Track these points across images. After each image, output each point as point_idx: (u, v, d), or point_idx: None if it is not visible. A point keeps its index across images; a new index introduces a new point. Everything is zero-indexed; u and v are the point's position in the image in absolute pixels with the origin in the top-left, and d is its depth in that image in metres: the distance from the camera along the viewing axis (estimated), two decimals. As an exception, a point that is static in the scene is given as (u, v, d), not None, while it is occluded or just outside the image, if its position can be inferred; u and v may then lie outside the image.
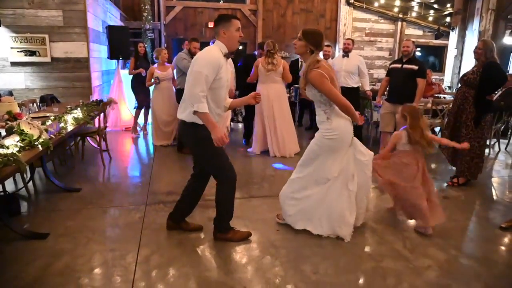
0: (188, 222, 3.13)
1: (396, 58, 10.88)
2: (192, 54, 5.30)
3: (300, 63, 7.57)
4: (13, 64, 6.01)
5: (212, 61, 2.58)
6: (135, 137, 6.68)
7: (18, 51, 5.96)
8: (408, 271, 2.60)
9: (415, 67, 4.72)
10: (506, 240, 3.16)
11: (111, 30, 6.82)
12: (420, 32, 13.34)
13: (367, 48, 13.34)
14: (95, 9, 6.86)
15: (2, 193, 3.47)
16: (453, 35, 9.34)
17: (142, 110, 6.83)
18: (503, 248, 3.04)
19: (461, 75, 8.47)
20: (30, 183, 4.07)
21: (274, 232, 3.12)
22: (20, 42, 5.94)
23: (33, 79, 6.15)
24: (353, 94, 5.62)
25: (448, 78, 9.41)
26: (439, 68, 13.37)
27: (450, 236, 3.16)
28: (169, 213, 3.12)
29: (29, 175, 4.02)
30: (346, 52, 5.64)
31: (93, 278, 2.46)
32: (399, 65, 4.87)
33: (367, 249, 2.91)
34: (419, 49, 13.74)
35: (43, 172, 3.93)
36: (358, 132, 5.96)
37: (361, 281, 2.48)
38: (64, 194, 3.84)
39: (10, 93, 5.82)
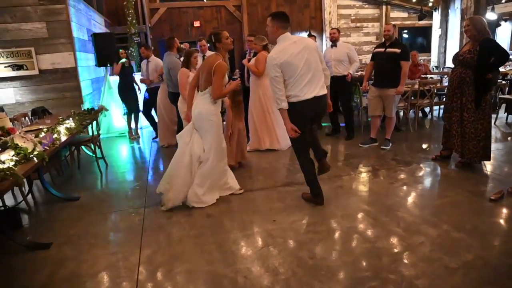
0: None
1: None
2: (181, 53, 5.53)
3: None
4: (1, 79, 6.02)
5: None
6: (134, 140, 6.77)
7: (5, 66, 5.97)
8: (402, 249, 2.70)
9: (398, 50, 4.79)
10: (495, 211, 3.26)
11: (96, 38, 6.83)
12: (405, 14, 13.41)
13: (354, 35, 13.40)
14: (79, 18, 6.87)
15: (2, 208, 3.53)
16: (436, 15, 9.44)
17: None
18: (492, 219, 3.14)
19: (447, 54, 8.58)
20: (29, 196, 4.13)
21: (270, 223, 3.21)
22: (6, 57, 5.95)
23: (23, 93, 6.17)
24: (344, 81, 5.69)
25: (434, 58, 9.51)
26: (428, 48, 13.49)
27: (442, 212, 3.26)
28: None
29: (27, 188, 4.07)
30: (333, 42, 5.70)
31: (99, 281, 2.54)
32: (383, 49, 4.94)
33: (361, 231, 3.00)
34: (405, 31, 13.83)
35: (41, 184, 3.99)
36: (334, 117, 6.07)
37: (357, 262, 2.58)
38: (64, 204, 3.91)
39: (1, 109, 5.84)
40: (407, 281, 2.32)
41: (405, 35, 14.06)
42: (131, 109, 6.82)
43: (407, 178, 4.13)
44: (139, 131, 7.12)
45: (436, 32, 9.34)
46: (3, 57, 5.94)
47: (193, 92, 3.73)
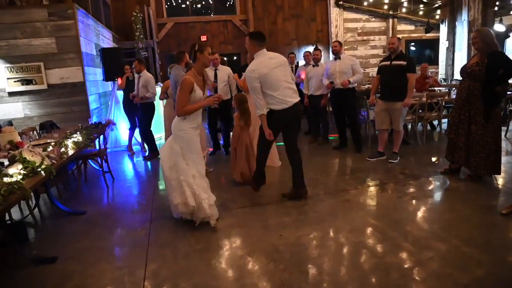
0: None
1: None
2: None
3: (290, 69, 7.67)
4: (11, 94, 6.13)
5: None
6: (131, 154, 6.80)
7: (14, 81, 6.08)
8: (411, 264, 2.64)
9: (404, 63, 4.78)
10: (507, 225, 3.19)
11: (104, 53, 6.94)
12: (412, 27, 13.47)
13: (360, 48, 13.47)
14: (87, 33, 6.99)
15: (9, 222, 3.54)
16: (443, 28, 9.44)
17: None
18: (504, 234, 3.07)
19: (455, 66, 8.55)
20: (36, 210, 4.14)
21: (277, 238, 3.17)
22: (16, 72, 6.06)
23: (31, 107, 6.26)
24: (349, 94, 5.70)
25: (442, 71, 9.48)
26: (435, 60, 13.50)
27: (452, 226, 3.20)
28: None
29: (34, 201, 4.08)
30: (336, 54, 5.73)
31: (103, 296, 2.51)
32: (388, 62, 4.94)
33: (369, 246, 2.95)
34: (413, 44, 13.86)
35: (48, 198, 4.00)
36: (341, 131, 6.05)
37: (365, 277, 2.52)
38: (70, 218, 3.91)
39: (10, 123, 5.92)
40: (417, 298, 2.27)
41: (413, 48, 14.10)
42: (134, 124, 6.84)
43: (416, 192, 4.08)
44: (132, 147, 7.12)
45: (443, 45, 9.34)
46: (12, 72, 6.05)
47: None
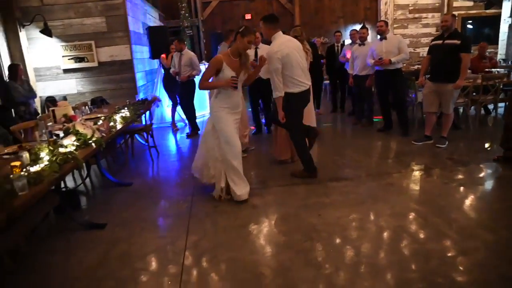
0: None
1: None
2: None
3: (336, 48, 7.46)
4: (65, 71, 6.49)
5: None
6: (176, 131, 6.99)
7: (68, 59, 6.42)
8: (453, 253, 2.55)
9: (458, 42, 4.47)
10: None
11: (151, 31, 7.11)
12: (470, 3, 12.48)
13: (411, 26, 12.77)
14: (135, 12, 7.18)
15: (64, 189, 3.81)
16: (507, 3, 8.68)
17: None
18: (561, 226, 2.86)
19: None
20: (88, 180, 4.42)
21: (316, 217, 3.17)
22: (70, 50, 6.39)
23: (84, 84, 6.60)
24: (396, 74, 5.46)
25: (502, 51, 8.79)
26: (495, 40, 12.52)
27: (502, 217, 3.03)
28: None
29: (86, 172, 4.35)
30: (381, 34, 5.47)
31: (148, 262, 2.66)
32: (440, 41, 4.65)
33: (410, 231, 2.87)
34: (470, 21, 12.91)
35: (98, 169, 4.24)
36: (386, 113, 5.82)
37: (404, 262, 2.47)
38: (117, 188, 4.14)
39: (65, 98, 6.29)
40: (456, 287, 2.19)
41: (470, 26, 13.13)
42: (175, 101, 6.98)
43: (464, 178, 3.89)
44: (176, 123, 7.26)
45: (505, 22, 8.60)
46: (66, 50, 6.38)
47: None
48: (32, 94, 5.44)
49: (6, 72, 5.53)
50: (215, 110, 3.50)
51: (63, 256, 2.83)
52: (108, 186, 4.22)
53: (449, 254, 2.53)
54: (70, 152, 2.75)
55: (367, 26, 6.70)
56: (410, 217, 3.10)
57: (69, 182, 4.44)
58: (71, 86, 6.61)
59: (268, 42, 5.64)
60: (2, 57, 5.91)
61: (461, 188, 3.65)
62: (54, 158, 2.55)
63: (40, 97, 6.36)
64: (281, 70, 3.67)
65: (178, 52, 6.34)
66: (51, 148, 2.72)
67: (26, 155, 2.57)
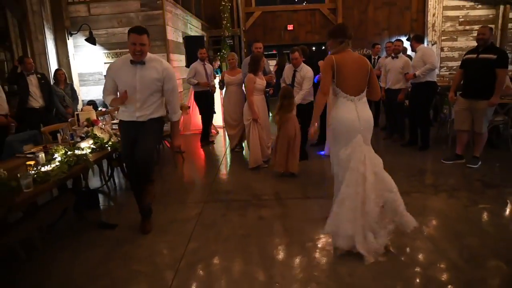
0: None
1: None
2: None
3: (373, 60, 7.29)
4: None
5: None
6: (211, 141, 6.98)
7: (110, 66, 6.81)
8: (455, 282, 2.38)
9: (494, 56, 4.19)
10: None
11: (187, 40, 7.38)
12: (528, 15, 11.69)
13: (461, 39, 12.17)
14: (175, 23, 7.50)
15: (84, 189, 4.05)
16: None
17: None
18: None
19: None
20: (112, 182, 4.65)
21: (319, 233, 3.10)
22: (112, 57, 6.79)
23: (123, 89, 6.96)
24: (426, 89, 5.27)
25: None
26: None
27: (522, 247, 2.79)
28: None
29: (109, 173, 4.59)
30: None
31: (144, 264, 2.76)
32: (475, 55, 4.38)
33: (414, 254, 2.73)
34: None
35: (121, 171, 4.46)
36: (413, 128, 5.69)
37: (398, 287, 2.35)
38: (137, 191, 4.31)
39: (95, 104, 6.69)
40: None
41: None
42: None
43: (490, 202, 3.62)
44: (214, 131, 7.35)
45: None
46: (109, 58, 6.79)
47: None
48: (74, 97, 5.83)
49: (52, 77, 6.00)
50: None
51: (72, 252, 3.00)
52: (128, 188, 4.40)
53: (449, 283, 2.37)
54: (83, 155, 2.93)
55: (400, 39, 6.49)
56: (418, 239, 2.94)
57: (96, 182, 4.71)
58: (110, 92, 7.00)
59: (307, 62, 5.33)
60: (50, 62, 6.42)
61: (484, 214, 3.40)
62: (65, 159, 2.74)
63: (83, 100, 6.81)
64: None
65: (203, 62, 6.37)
66: (66, 150, 2.92)
67: (42, 155, 2.78)
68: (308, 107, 4.91)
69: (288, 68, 5.21)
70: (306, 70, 5.00)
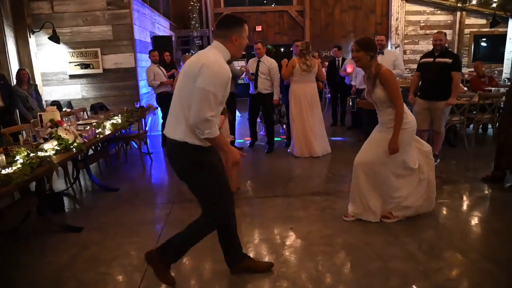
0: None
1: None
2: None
3: (337, 62, 7.48)
4: (71, 76, 6.71)
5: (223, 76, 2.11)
6: None
7: (75, 65, 6.65)
8: (415, 273, 2.52)
9: (449, 60, 4.44)
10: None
11: (155, 40, 7.29)
12: (483, 21, 12.37)
13: (422, 42, 12.69)
14: (142, 22, 7.39)
15: (48, 192, 3.94)
16: (513, 22, 8.57)
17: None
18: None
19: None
20: (77, 184, 4.53)
21: (287, 230, 3.18)
22: (76, 56, 6.62)
23: (88, 90, 6.80)
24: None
25: (507, 70, 8.64)
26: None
27: (476, 239, 2.99)
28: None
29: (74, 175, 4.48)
30: (380, 49, 5.46)
31: (112, 266, 2.73)
32: (431, 59, 4.62)
33: (377, 248, 2.85)
34: (484, 39, 12.76)
35: (87, 173, 4.37)
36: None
37: (362, 280, 2.46)
38: (104, 193, 4.25)
39: (69, 103, 6.51)
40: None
41: (484, 44, 12.98)
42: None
43: (447, 197, 3.83)
44: None
45: (511, 41, 8.48)
46: (73, 57, 6.61)
47: None
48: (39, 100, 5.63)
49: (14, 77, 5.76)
50: None
51: (37, 256, 2.92)
52: (95, 190, 4.34)
53: (410, 274, 2.50)
54: (46, 157, 2.86)
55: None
56: (380, 234, 3.07)
57: (61, 185, 4.58)
58: (76, 91, 6.83)
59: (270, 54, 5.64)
60: (11, 62, 6.17)
61: (441, 208, 3.60)
62: (27, 161, 2.66)
63: (46, 101, 6.59)
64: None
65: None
66: (28, 152, 2.84)
67: (2, 157, 2.69)
68: (268, 97, 5.65)
69: (252, 60, 5.73)
70: (270, 62, 5.56)
